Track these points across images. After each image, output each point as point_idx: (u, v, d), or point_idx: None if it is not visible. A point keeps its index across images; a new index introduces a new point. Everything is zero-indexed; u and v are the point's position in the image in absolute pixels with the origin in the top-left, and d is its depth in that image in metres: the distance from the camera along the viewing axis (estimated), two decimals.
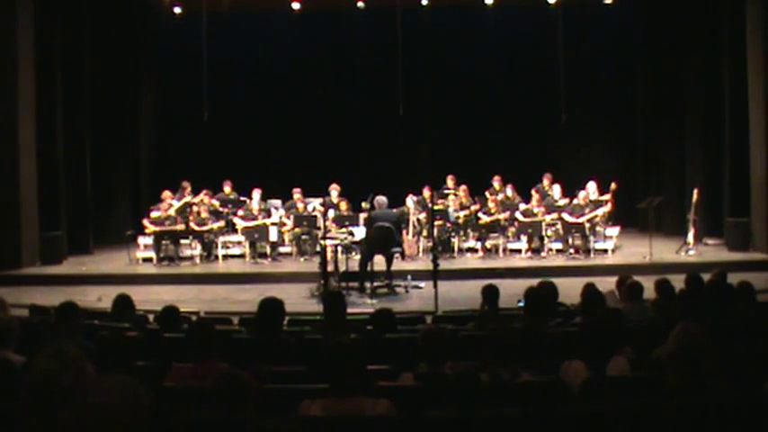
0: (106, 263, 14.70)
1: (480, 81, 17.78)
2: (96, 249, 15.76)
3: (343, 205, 14.50)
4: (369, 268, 11.74)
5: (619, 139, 18.23)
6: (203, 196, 15.12)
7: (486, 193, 15.28)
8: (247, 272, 13.77)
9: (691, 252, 13.80)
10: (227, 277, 13.58)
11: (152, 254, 14.49)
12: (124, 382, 2.35)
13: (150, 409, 2.36)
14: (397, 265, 12.84)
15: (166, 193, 14.91)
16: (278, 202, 15.68)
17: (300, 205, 14.92)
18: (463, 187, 15.16)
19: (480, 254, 14.48)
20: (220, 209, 15.22)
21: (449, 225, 14.49)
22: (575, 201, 14.47)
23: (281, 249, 14.93)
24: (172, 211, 14.60)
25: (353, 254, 12.23)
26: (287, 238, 15.05)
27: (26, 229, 13.84)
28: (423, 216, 14.59)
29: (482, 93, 17.74)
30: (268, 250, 14.57)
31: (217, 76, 16.69)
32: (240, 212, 14.91)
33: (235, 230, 15.18)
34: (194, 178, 15.61)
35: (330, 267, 11.66)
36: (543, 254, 14.35)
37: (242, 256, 14.78)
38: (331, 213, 14.00)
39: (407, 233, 14.26)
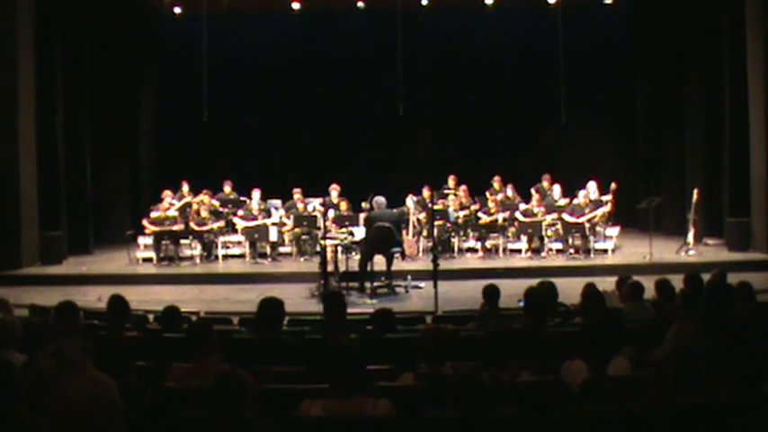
0: (106, 263, 14.70)
1: (480, 81, 17.76)
2: (96, 249, 15.76)
3: (343, 205, 14.50)
4: (369, 268, 11.74)
5: (619, 139, 18.22)
6: (203, 196, 15.11)
7: (486, 193, 15.29)
8: (247, 272, 13.76)
9: (691, 252, 13.80)
10: (227, 277, 13.58)
11: (152, 254, 14.49)
12: (93, 378, 2.36)
13: (121, 401, 2.36)
14: (397, 265, 12.84)
15: (166, 193, 14.94)
16: (278, 202, 15.68)
17: (300, 205, 14.92)
18: (463, 187, 15.17)
19: (480, 254, 14.48)
20: (220, 209, 15.22)
21: (449, 225, 14.48)
22: (575, 201, 14.47)
23: (281, 249, 14.93)
24: (172, 212, 14.61)
25: (353, 254, 12.23)
26: (287, 238, 15.04)
27: (26, 229, 13.84)
28: (423, 216, 14.59)
29: (482, 93, 17.73)
30: (268, 250, 14.57)
31: (217, 76, 16.69)
32: (240, 212, 14.91)
33: (235, 230, 15.18)
34: (194, 178, 15.63)
35: (330, 267, 11.65)
36: (543, 254, 14.35)
37: (242, 256, 14.78)
38: (331, 213, 13.98)
39: (407, 233, 14.26)
